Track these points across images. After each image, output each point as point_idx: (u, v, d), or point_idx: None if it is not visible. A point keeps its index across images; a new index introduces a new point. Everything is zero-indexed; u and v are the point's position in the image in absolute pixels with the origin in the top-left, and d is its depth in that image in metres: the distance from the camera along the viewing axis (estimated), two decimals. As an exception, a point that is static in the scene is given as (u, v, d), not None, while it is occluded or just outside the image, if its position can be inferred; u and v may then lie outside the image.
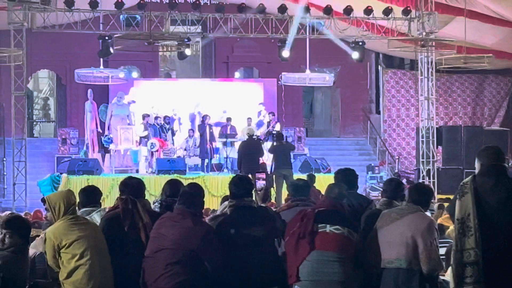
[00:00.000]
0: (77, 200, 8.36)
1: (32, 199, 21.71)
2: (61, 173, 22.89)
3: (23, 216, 10.50)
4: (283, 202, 16.28)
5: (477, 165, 6.79)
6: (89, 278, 7.40)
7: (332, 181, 9.01)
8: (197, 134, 25.81)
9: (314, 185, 16.27)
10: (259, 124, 27.13)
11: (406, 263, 7.40)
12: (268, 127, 25.87)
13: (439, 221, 13.43)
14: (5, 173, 25.60)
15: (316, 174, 20.66)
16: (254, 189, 9.25)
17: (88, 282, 7.39)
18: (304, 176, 16.79)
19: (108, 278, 7.51)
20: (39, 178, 23.93)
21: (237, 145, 24.42)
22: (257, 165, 21.54)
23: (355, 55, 25.71)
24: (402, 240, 7.44)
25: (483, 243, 6.40)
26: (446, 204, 13.78)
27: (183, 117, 27.09)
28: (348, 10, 24.13)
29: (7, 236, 7.69)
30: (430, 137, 25.72)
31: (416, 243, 7.39)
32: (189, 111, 27.25)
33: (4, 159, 25.80)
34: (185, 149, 25.59)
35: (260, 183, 18.84)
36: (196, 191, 7.83)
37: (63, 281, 7.48)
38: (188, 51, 25.00)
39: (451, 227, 12.02)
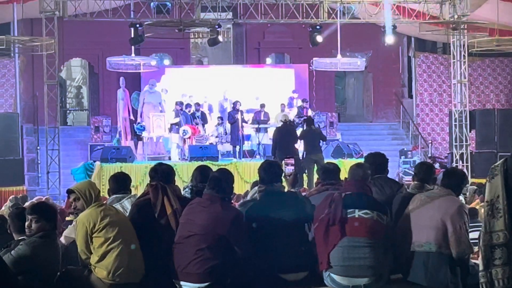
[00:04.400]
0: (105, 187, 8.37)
1: (65, 187, 21.62)
2: (94, 161, 22.99)
3: (46, 202, 10.51)
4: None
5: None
6: (120, 261, 7.42)
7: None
8: (224, 126, 25.94)
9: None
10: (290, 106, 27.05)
11: (436, 246, 7.39)
12: (300, 112, 25.81)
13: (472, 205, 13.36)
14: (39, 162, 25.73)
15: (348, 159, 20.66)
16: (284, 174, 9.22)
17: (119, 266, 7.41)
18: (337, 162, 16.72)
19: (139, 263, 7.55)
20: (72, 166, 24.04)
21: (270, 131, 24.41)
22: (292, 151, 21.50)
23: (387, 39, 25.59)
24: (432, 223, 7.43)
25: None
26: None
27: (214, 104, 27.08)
28: (377, -4, 24.09)
29: (34, 221, 7.69)
30: (463, 121, 25.54)
31: (445, 226, 7.38)
32: (218, 100, 27.23)
33: (38, 147, 25.90)
34: (216, 136, 25.58)
35: (289, 168, 18.80)
36: (225, 176, 7.87)
37: (94, 264, 7.51)
38: (219, 38, 24.93)
39: (482, 210, 12.00)
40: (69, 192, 8.01)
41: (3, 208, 12.52)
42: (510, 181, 6.33)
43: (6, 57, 27.05)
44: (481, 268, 6.51)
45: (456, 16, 23.78)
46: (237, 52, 31.71)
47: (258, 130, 25.75)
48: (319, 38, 25.16)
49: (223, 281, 7.35)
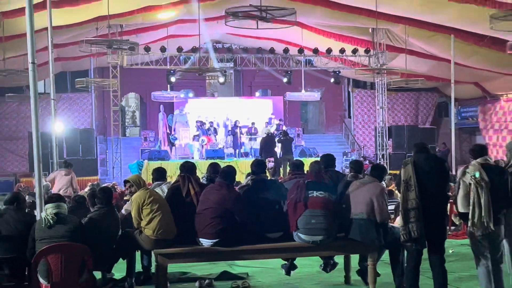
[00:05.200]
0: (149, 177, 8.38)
1: (124, 177, 21.74)
2: (143, 160, 22.97)
3: (108, 187, 10.49)
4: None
5: (414, 151, 7.05)
6: (160, 224, 7.41)
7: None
8: (229, 137, 25.91)
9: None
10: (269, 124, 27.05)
11: (366, 215, 7.38)
12: (278, 127, 25.83)
13: (389, 188, 13.37)
14: (107, 160, 25.69)
15: (309, 158, 20.62)
16: (267, 168, 9.25)
17: (160, 227, 7.40)
18: (302, 160, 16.66)
19: (171, 226, 7.50)
20: (129, 163, 24.00)
21: (258, 140, 24.42)
22: (273, 153, 21.56)
23: (333, 80, 25.69)
24: (364, 200, 7.42)
25: (420, 195, 6.51)
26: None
27: (221, 123, 27.02)
28: (329, 50, 23.94)
29: (97, 201, 7.84)
30: (384, 133, 25.66)
31: (372, 202, 7.38)
32: (224, 119, 27.18)
33: (107, 151, 25.87)
34: (224, 144, 25.62)
35: (271, 164, 18.84)
36: (231, 170, 7.89)
37: (144, 227, 7.50)
38: (223, 79, 25.04)
39: (397, 192, 11.98)
40: (126, 181, 8.08)
41: (84, 191, 12.43)
42: (416, 169, 6.64)
43: (85, 92, 27.00)
44: (401, 224, 6.61)
45: (379, 65, 23.78)
46: (236, 88, 31.59)
47: (250, 139, 25.73)
48: (290, 80, 25.25)
49: (228, 238, 7.33)
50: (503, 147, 25.43)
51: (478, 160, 6.85)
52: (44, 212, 6.90)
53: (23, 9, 8.52)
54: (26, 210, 8.26)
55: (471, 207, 6.64)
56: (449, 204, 8.33)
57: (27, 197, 10.84)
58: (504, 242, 7.07)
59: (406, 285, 6.79)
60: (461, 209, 6.78)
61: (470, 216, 6.65)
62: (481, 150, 7.02)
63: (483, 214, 6.58)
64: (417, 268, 6.71)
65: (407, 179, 6.58)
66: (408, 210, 6.54)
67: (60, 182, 13.27)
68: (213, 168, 8.72)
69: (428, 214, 6.53)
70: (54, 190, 12.84)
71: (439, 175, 6.73)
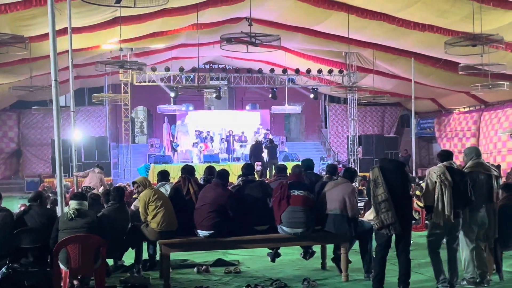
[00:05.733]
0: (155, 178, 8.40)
1: (134, 178, 21.74)
2: (150, 163, 22.89)
3: (120, 186, 10.48)
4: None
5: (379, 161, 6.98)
6: (164, 218, 7.41)
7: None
8: (223, 144, 25.91)
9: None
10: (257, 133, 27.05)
11: (340, 211, 7.39)
12: (265, 136, 25.82)
13: (359, 188, 13.39)
14: (119, 164, 25.60)
15: (291, 162, 20.62)
16: (255, 170, 9.25)
17: (163, 221, 7.41)
18: (285, 164, 16.65)
19: (173, 220, 7.50)
20: (137, 166, 23.96)
21: (248, 146, 24.39)
22: (260, 158, 21.53)
23: (312, 96, 25.73)
24: (338, 198, 7.43)
25: (387, 189, 6.51)
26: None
27: (216, 132, 26.94)
28: (308, 70, 23.96)
29: (111, 198, 7.83)
30: (355, 141, 25.74)
31: (345, 200, 7.39)
32: (219, 129, 27.13)
33: (119, 155, 25.78)
34: (219, 150, 25.58)
35: (259, 167, 18.80)
36: (226, 172, 7.89)
37: (150, 221, 7.50)
38: (220, 95, 25.03)
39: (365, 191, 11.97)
40: (134, 182, 8.13)
41: (99, 190, 12.45)
42: (383, 170, 6.63)
43: (100, 105, 26.88)
44: (374, 216, 6.61)
45: (350, 83, 23.84)
46: (230, 102, 31.49)
47: (241, 146, 25.66)
48: (275, 95, 25.26)
49: (222, 230, 7.32)
50: (455, 152, 25.57)
51: (444, 163, 6.93)
52: (68, 207, 6.95)
53: (47, 34, 8.51)
54: (49, 206, 8.24)
55: (435, 202, 6.69)
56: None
57: (50, 195, 10.81)
58: (461, 233, 7.10)
59: (374, 271, 6.79)
60: (427, 203, 6.81)
61: (434, 209, 6.71)
62: (447, 155, 7.11)
63: (445, 208, 6.65)
64: (384, 257, 6.71)
65: (375, 178, 6.60)
66: (379, 203, 6.55)
67: (91, 178, 13.63)
68: (209, 170, 8.72)
69: (395, 205, 6.54)
70: (85, 183, 13.18)
71: (401, 175, 6.76)
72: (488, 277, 7.10)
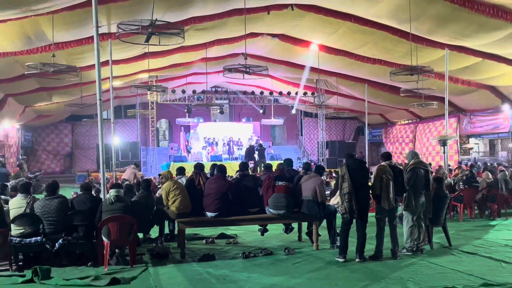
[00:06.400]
0: (174, 172, 8.38)
1: (158, 172, 21.71)
2: (170, 162, 22.80)
3: (148, 179, 10.47)
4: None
5: (346, 157, 6.95)
6: (180, 203, 7.39)
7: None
8: (225, 147, 25.88)
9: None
10: (250, 139, 27.05)
11: (312, 197, 7.39)
12: (257, 141, 25.79)
13: (327, 180, 13.40)
14: (147, 162, 25.47)
15: (276, 161, 20.60)
16: (249, 167, 9.22)
17: (180, 205, 7.39)
18: (271, 162, 16.65)
19: (188, 204, 7.47)
20: (161, 163, 23.84)
21: (243, 149, 24.37)
22: (253, 158, 21.49)
23: (292, 111, 25.75)
24: (310, 187, 7.43)
25: (351, 184, 6.49)
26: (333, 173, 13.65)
27: (220, 138, 26.88)
28: (288, 93, 24.05)
29: (141, 187, 7.80)
30: (323, 145, 25.76)
31: (316, 189, 7.39)
32: (222, 136, 27.09)
33: (147, 156, 25.65)
34: (222, 151, 25.54)
35: (252, 165, 18.80)
36: (224, 167, 7.88)
37: (170, 205, 7.48)
38: (222, 111, 25.00)
39: (332, 182, 11.99)
40: (159, 175, 8.09)
41: (133, 182, 12.42)
42: (348, 168, 6.59)
43: (133, 118, 26.75)
44: (340, 204, 6.61)
45: (320, 102, 23.89)
46: (230, 116, 31.29)
47: (238, 149, 25.64)
48: (264, 111, 25.27)
49: (224, 212, 7.29)
50: (397, 154, 25.70)
51: (386, 162, 6.94)
52: (108, 194, 6.92)
53: (93, 65, 8.48)
54: (94, 193, 8.20)
55: (382, 191, 6.70)
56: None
57: (95, 185, 10.76)
58: (404, 213, 7.12)
59: (340, 242, 6.77)
60: (375, 192, 6.83)
61: (381, 197, 6.72)
62: (388, 156, 7.13)
63: (389, 196, 6.67)
64: (347, 232, 6.71)
65: (343, 175, 6.59)
66: (344, 194, 6.55)
67: (127, 173, 13.67)
68: (213, 167, 8.73)
69: (358, 196, 6.55)
70: (123, 177, 13.25)
71: (362, 172, 6.73)
72: (422, 246, 7.14)
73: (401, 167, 7.49)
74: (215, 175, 7.73)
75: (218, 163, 13.99)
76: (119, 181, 10.79)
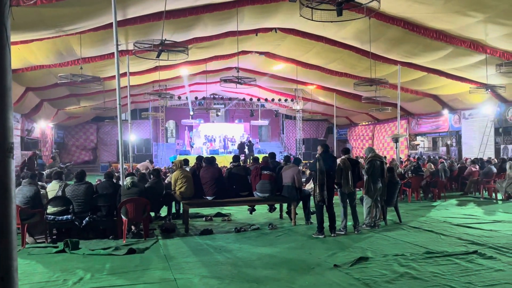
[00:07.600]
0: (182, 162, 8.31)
1: (167, 164, 21.62)
2: (177, 155, 22.67)
3: (158, 168, 10.39)
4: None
5: (319, 150, 6.79)
6: (186, 188, 7.32)
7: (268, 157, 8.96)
8: (221, 143, 25.76)
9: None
10: (242, 137, 26.94)
11: (291, 183, 7.38)
12: (246, 139, 25.75)
13: (302, 169, 13.42)
14: (158, 155, 25.30)
15: (262, 154, 20.58)
16: (240, 159, 9.19)
17: (185, 190, 7.32)
18: (258, 155, 16.65)
19: (191, 189, 7.42)
20: (169, 156, 23.68)
21: (236, 145, 24.33)
22: (244, 152, 21.44)
23: (275, 114, 25.71)
24: (290, 175, 7.41)
25: (325, 176, 6.42)
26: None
27: (217, 136, 26.77)
28: (272, 99, 24.10)
29: (152, 176, 7.71)
30: (301, 142, 25.80)
31: (294, 176, 7.39)
32: (219, 134, 27.00)
33: (158, 150, 25.50)
34: (219, 147, 25.46)
35: (243, 158, 18.76)
36: (211, 158, 7.77)
37: (177, 190, 7.42)
38: (220, 113, 24.93)
39: (307, 171, 11.97)
40: (172, 162, 8.04)
41: (146, 171, 12.35)
42: (323, 160, 6.46)
43: (146, 119, 26.51)
44: (317, 192, 6.54)
45: (298, 108, 23.91)
46: (226, 118, 31.16)
47: (232, 144, 25.58)
48: (252, 114, 25.20)
49: (220, 195, 7.29)
50: (359, 149, 25.86)
51: (346, 156, 6.94)
52: (125, 181, 6.86)
53: (114, 76, 8.41)
54: (114, 180, 8.13)
55: (342, 179, 6.73)
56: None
57: (116, 174, 10.66)
58: (364, 196, 7.16)
59: (317, 219, 6.58)
60: (338, 180, 6.84)
61: (342, 183, 6.74)
62: (347, 151, 7.10)
63: (348, 182, 6.70)
64: (322, 211, 6.65)
65: (320, 168, 6.55)
66: (320, 185, 6.52)
67: (142, 164, 13.52)
68: (200, 158, 8.55)
69: (329, 185, 6.53)
70: (137, 166, 13.17)
71: (333, 164, 6.69)
72: (378, 222, 7.22)
73: (358, 160, 7.50)
74: (204, 166, 7.63)
75: (216, 156, 13.94)
76: (133, 171, 10.73)
